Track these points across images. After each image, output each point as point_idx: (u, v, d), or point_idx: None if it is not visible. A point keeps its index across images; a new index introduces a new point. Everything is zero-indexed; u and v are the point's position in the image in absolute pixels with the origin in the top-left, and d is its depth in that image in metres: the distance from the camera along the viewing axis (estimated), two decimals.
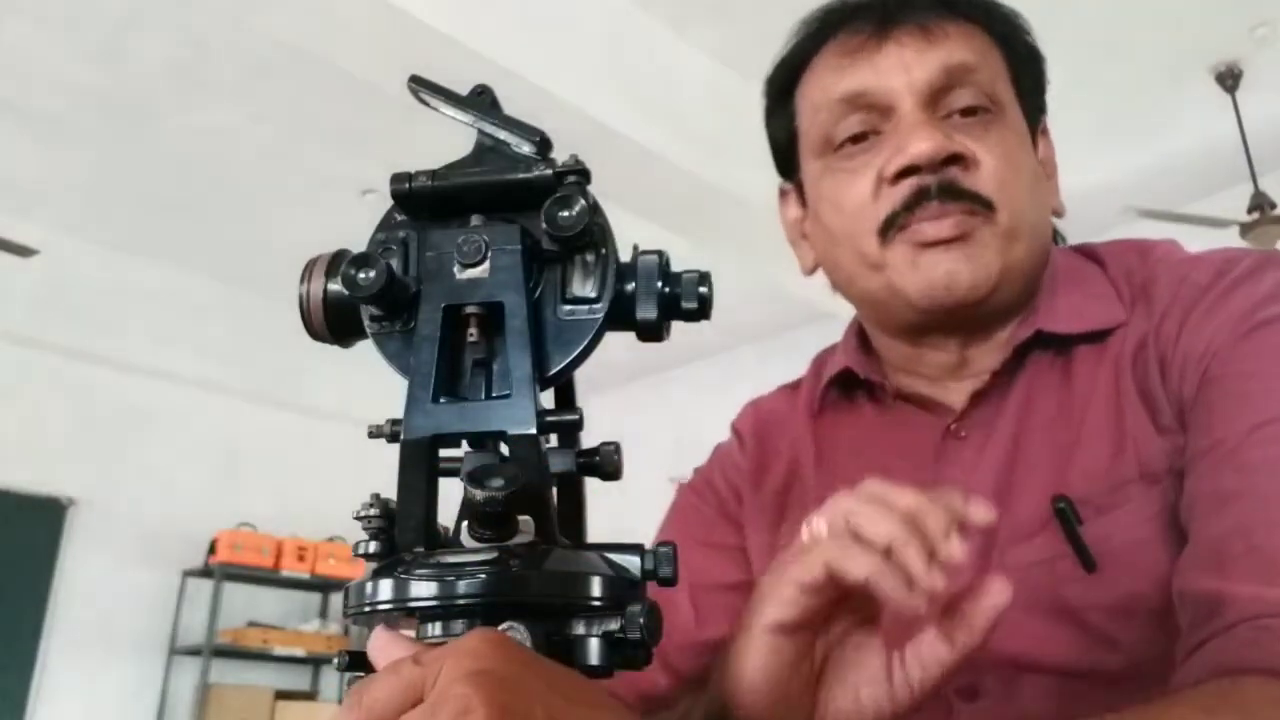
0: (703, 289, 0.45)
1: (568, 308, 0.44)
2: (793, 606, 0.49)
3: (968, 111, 0.69)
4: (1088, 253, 0.75)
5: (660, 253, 0.46)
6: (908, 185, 0.67)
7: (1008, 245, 0.67)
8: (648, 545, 0.44)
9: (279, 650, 5.32)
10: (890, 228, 0.68)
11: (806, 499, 0.77)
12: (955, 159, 0.67)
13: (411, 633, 0.42)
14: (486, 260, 0.43)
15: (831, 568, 0.47)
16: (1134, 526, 0.62)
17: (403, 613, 0.41)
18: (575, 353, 0.44)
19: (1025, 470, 0.67)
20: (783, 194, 0.81)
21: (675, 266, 0.46)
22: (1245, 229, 3.45)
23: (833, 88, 0.71)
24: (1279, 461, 0.55)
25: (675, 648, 0.72)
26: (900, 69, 0.68)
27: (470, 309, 0.43)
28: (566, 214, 0.42)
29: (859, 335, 0.79)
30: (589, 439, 0.46)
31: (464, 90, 0.47)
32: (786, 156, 0.79)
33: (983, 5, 0.73)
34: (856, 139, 0.71)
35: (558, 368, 0.43)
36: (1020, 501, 0.66)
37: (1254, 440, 0.56)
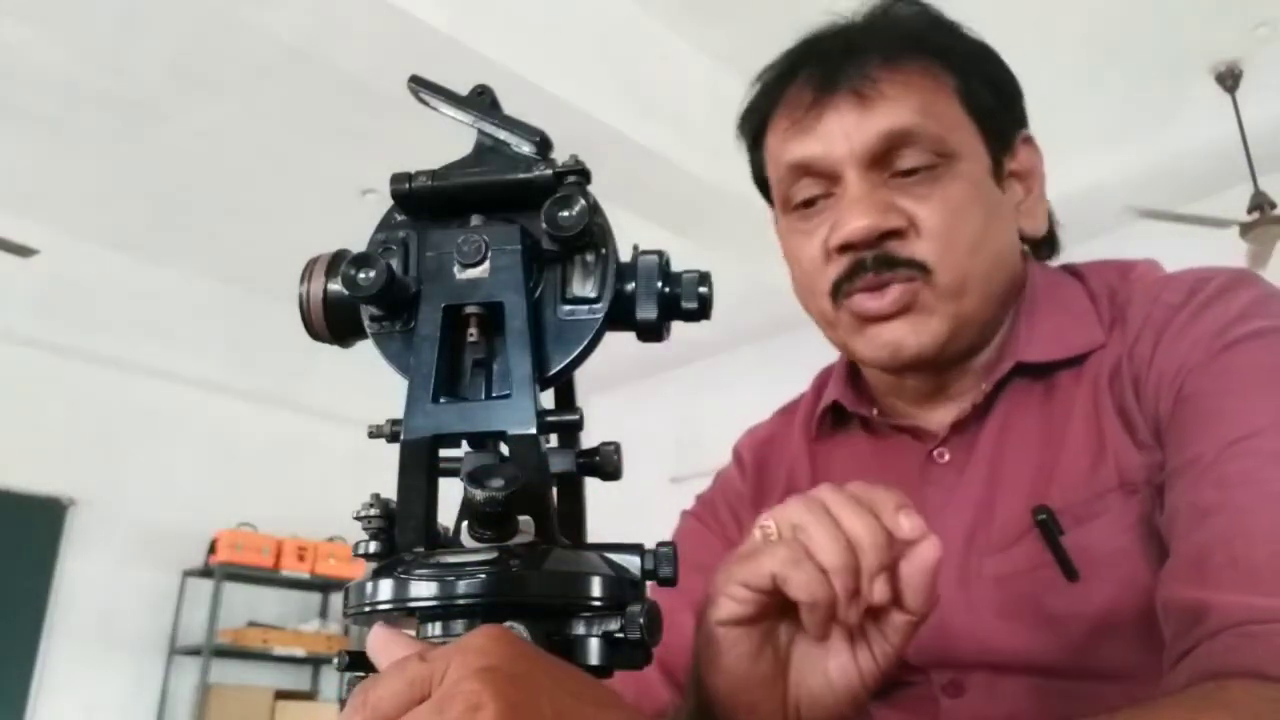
0: (703, 289, 0.45)
1: (568, 308, 0.44)
2: (743, 605, 0.51)
3: (913, 170, 0.69)
4: (1070, 270, 0.76)
5: (660, 253, 0.46)
6: (847, 259, 0.70)
7: (952, 303, 0.69)
8: (648, 545, 0.44)
9: (279, 650, 5.32)
10: (838, 293, 0.71)
11: None
12: (891, 233, 0.68)
13: (411, 632, 0.42)
14: (486, 260, 0.43)
15: (776, 578, 0.50)
16: (1114, 535, 0.63)
17: (403, 613, 0.41)
18: (575, 353, 0.44)
19: (1006, 487, 0.69)
20: (774, 220, 0.84)
21: (675, 266, 0.46)
22: (1245, 229, 3.45)
23: (784, 155, 0.73)
24: (1255, 475, 0.56)
25: (680, 666, 0.74)
26: (841, 137, 0.70)
27: (470, 309, 0.43)
28: (566, 214, 0.42)
29: (850, 363, 0.82)
30: (589, 439, 0.46)
31: (464, 90, 0.47)
32: (766, 192, 0.82)
33: (933, 41, 0.73)
34: (809, 202, 0.73)
35: (558, 368, 0.43)
36: (1001, 516, 0.68)
37: (1230, 455, 0.58)
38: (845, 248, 0.69)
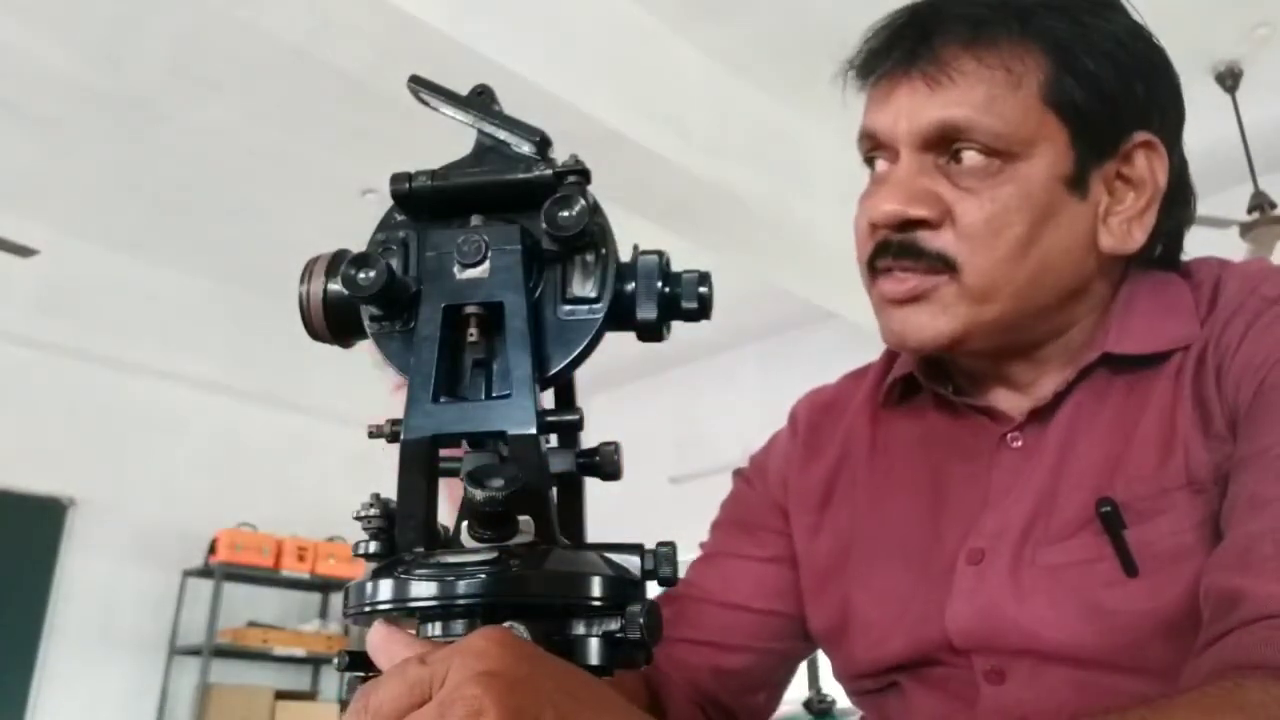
0: (703, 289, 0.45)
1: (568, 308, 0.44)
2: None
3: (967, 163, 0.67)
4: (1181, 270, 0.74)
5: (660, 253, 0.46)
6: (877, 236, 0.69)
7: (974, 306, 0.67)
8: (648, 545, 0.44)
9: (279, 650, 5.32)
10: (871, 270, 0.71)
11: (856, 484, 0.80)
12: (920, 222, 0.67)
13: (413, 631, 0.42)
14: (486, 260, 0.43)
15: None
16: (1177, 533, 0.62)
17: (403, 613, 0.41)
18: (575, 353, 0.44)
19: (1072, 476, 0.68)
20: None
21: (675, 266, 0.46)
22: (1245, 229, 3.44)
23: (865, 119, 0.73)
24: None
25: (705, 609, 0.82)
26: (905, 115, 0.68)
27: (470, 309, 0.43)
28: (566, 214, 0.42)
29: None
30: (589, 439, 0.46)
31: (464, 90, 0.47)
32: None
33: (1037, 23, 0.68)
34: (874, 169, 0.73)
35: (558, 368, 0.43)
36: (1063, 505, 0.67)
37: None
38: (874, 226, 0.69)
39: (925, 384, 0.78)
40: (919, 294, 0.68)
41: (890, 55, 0.70)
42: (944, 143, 0.67)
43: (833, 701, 2.97)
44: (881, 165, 0.72)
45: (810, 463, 0.84)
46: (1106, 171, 0.69)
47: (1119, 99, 0.68)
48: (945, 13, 0.69)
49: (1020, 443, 0.72)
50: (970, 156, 0.67)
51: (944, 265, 0.67)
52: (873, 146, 0.72)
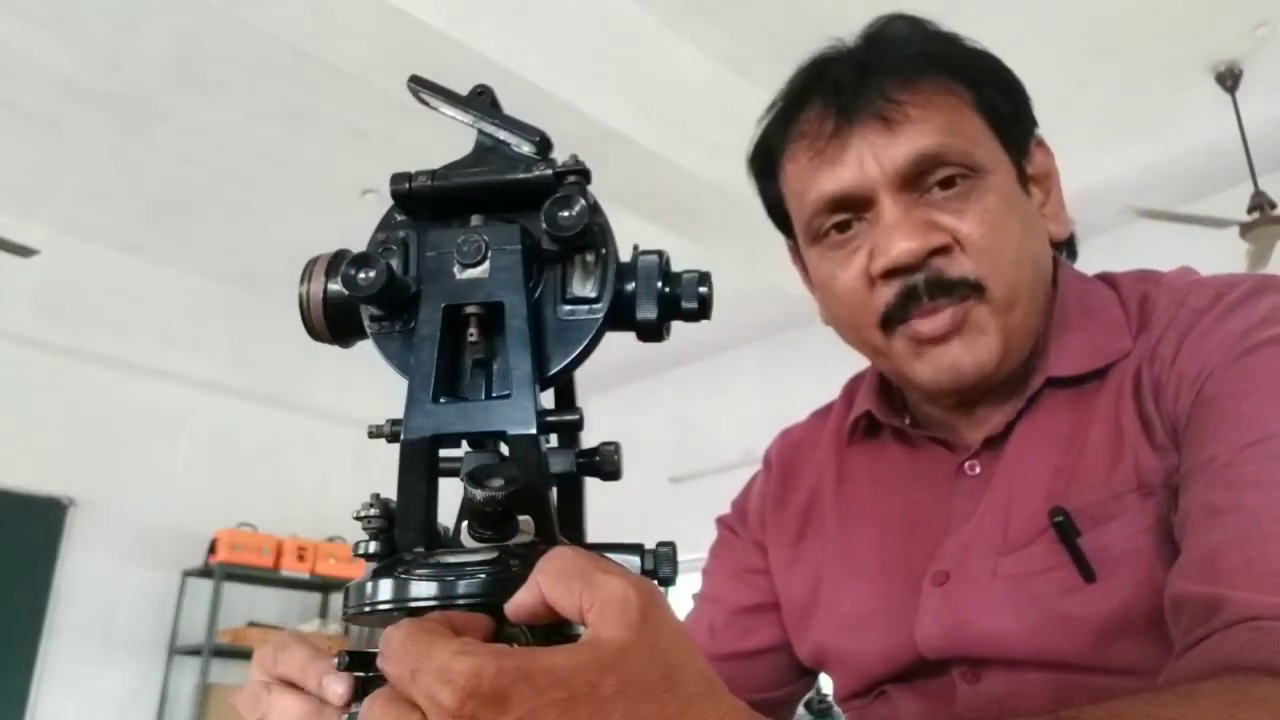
0: (703, 289, 0.45)
1: (568, 308, 0.44)
2: None
3: (946, 182, 0.69)
4: (1106, 279, 0.76)
5: (660, 253, 0.46)
6: (897, 284, 0.69)
7: (1005, 316, 0.69)
8: (648, 545, 0.44)
9: None
10: (890, 322, 0.70)
11: (825, 517, 0.83)
12: (937, 251, 0.68)
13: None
14: (486, 260, 0.43)
15: None
16: (1130, 536, 0.64)
17: (403, 613, 0.41)
18: (575, 353, 0.44)
19: (1026, 490, 0.70)
20: (790, 249, 0.84)
21: (675, 266, 0.46)
22: (1245, 229, 3.44)
23: (810, 188, 0.72)
24: (1270, 477, 0.56)
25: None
26: (871, 161, 0.69)
27: (470, 309, 0.43)
28: (566, 214, 0.42)
29: (880, 373, 0.82)
30: (589, 439, 0.46)
31: (464, 90, 0.47)
32: (781, 221, 0.81)
33: (944, 56, 0.72)
34: (841, 227, 0.72)
35: (558, 368, 0.43)
36: (1019, 517, 0.69)
37: (1246, 457, 0.58)
38: (892, 272, 0.69)
39: (884, 420, 0.80)
40: (958, 323, 0.68)
41: (827, 113, 0.71)
42: (920, 175, 0.69)
43: (832, 702, 2.97)
44: (834, 223, 0.71)
45: (785, 499, 0.86)
46: (1029, 172, 0.74)
47: (1019, 105, 0.75)
48: (865, 63, 0.71)
49: (978, 469, 0.74)
50: (949, 179, 0.69)
51: (970, 289, 0.68)
52: (830, 209, 0.71)
